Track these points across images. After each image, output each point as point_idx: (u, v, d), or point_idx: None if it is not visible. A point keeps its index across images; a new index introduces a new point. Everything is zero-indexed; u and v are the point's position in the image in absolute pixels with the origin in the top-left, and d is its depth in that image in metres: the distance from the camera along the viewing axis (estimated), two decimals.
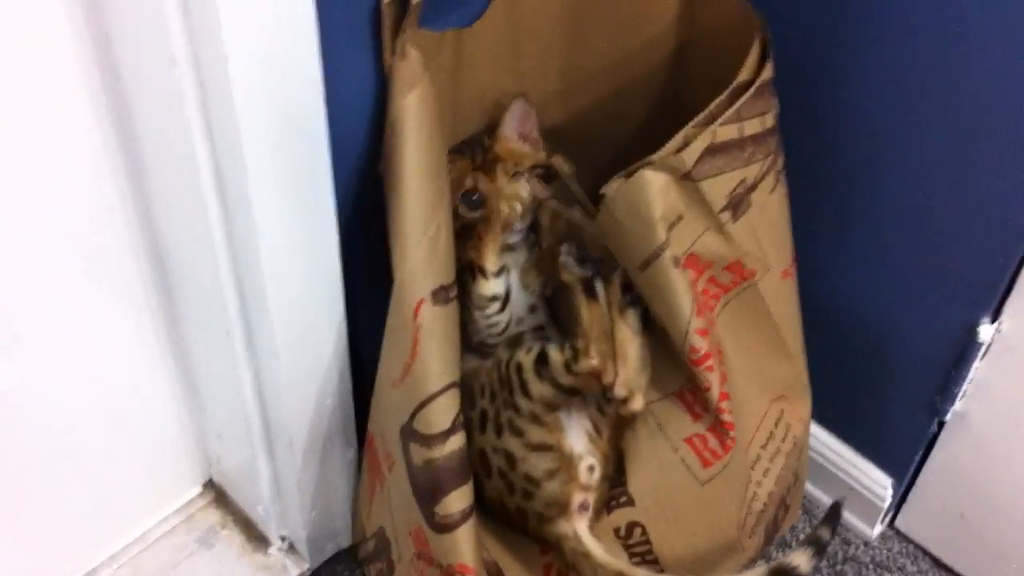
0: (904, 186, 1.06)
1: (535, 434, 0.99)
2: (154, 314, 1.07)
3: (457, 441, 0.96)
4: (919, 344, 1.13)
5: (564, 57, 1.07)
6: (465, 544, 0.96)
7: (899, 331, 1.15)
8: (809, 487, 1.32)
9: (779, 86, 0.98)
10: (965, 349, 1.09)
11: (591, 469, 1.01)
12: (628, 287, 1.00)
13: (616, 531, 1.03)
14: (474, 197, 1.02)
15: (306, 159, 0.89)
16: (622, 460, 1.04)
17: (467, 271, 1.02)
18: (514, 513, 1.03)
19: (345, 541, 1.26)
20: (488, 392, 1.01)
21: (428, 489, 0.96)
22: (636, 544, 1.03)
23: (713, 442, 1.00)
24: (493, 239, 1.02)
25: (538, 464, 1.00)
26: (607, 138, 1.11)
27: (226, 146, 0.85)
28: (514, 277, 1.06)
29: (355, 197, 0.98)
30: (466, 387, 1.00)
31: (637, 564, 1.03)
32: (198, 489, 1.29)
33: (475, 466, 1.01)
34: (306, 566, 1.24)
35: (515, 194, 1.03)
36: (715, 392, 0.97)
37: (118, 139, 0.93)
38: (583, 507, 1.01)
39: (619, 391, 0.98)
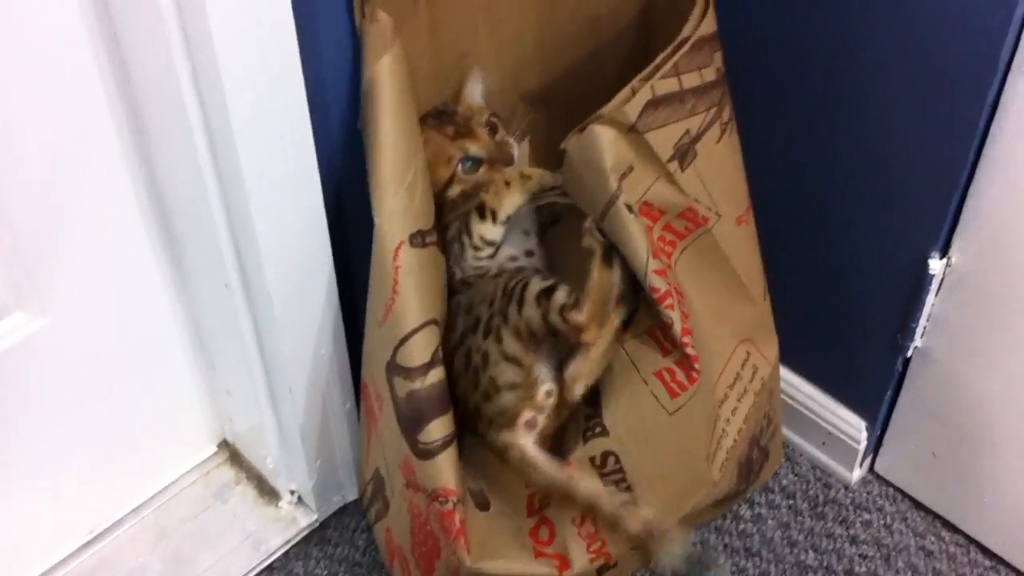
0: (856, 126, 1.13)
1: (511, 346, 1.06)
2: (163, 272, 1.17)
3: (437, 374, 1.04)
4: (876, 281, 1.20)
5: (539, 21, 1.16)
6: (447, 469, 1.04)
7: (856, 269, 1.21)
8: (788, 434, 1.38)
9: (731, 33, 1.06)
10: (918, 284, 1.15)
11: (548, 394, 1.08)
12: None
13: (592, 460, 1.09)
14: (469, 162, 1.11)
15: (287, 113, 0.99)
16: (597, 395, 1.12)
17: (475, 211, 1.10)
18: (472, 411, 1.10)
19: (351, 494, 1.35)
20: (489, 300, 1.08)
21: (412, 419, 1.04)
22: (611, 472, 1.09)
23: (680, 374, 1.06)
24: (521, 192, 1.09)
25: (504, 373, 1.07)
26: (584, 98, 1.18)
27: (212, 100, 0.95)
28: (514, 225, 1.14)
29: (343, 152, 1.07)
30: (466, 301, 1.09)
31: (612, 493, 1.10)
32: (213, 448, 1.39)
33: (459, 362, 1.09)
34: (315, 517, 1.33)
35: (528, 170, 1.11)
36: (677, 328, 1.04)
37: (121, 99, 1.03)
38: (530, 424, 1.08)
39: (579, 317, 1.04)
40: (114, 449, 1.26)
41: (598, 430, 1.10)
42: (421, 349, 1.04)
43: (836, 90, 1.13)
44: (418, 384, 1.04)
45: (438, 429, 1.04)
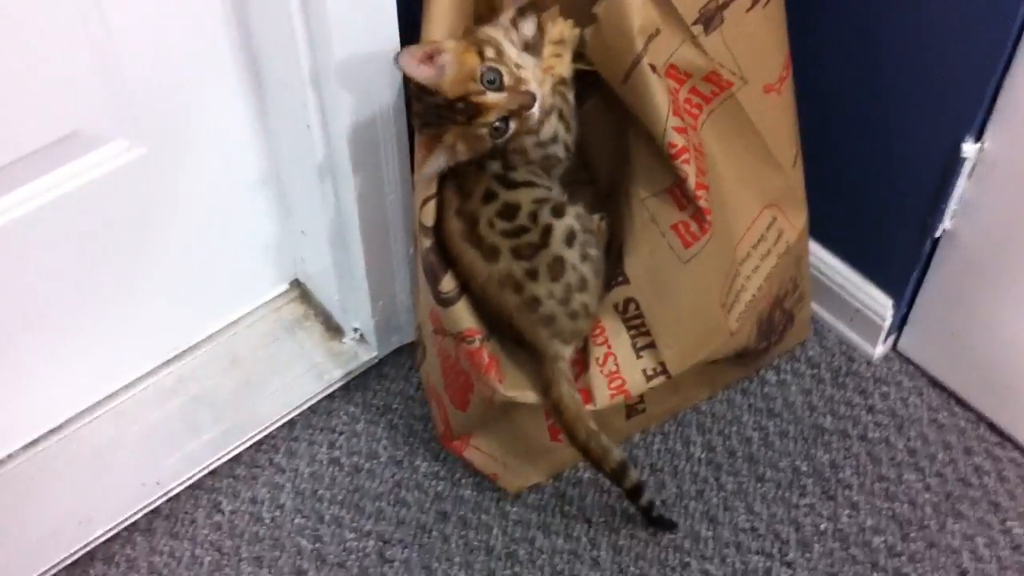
0: (897, 5, 1.17)
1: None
2: (250, 115, 1.27)
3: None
4: (909, 162, 1.26)
5: None
6: (466, 313, 1.14)
7: (890, 150, 1.27)
8: (818, 309, 1.47)
9: None
10: (950, 166, 1.22)
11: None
12: None
13: (615, 306, 1.20)
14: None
15: None
16: (621, 246, 1.21)
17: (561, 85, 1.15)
18: (529, 312, 1.15)
19: (408, 336, 1.47)
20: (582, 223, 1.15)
21: (430, 272, 1.14)
22: (632, 317, 1.20)
23: (693, 226, 1.15)
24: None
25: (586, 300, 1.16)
26: None
27: None
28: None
29: None
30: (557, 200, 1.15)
31: (633, 336, 1.20)
32: (285, 286, 1.51)
33: (551, 271, 1.13)
34: (374, 354, 1.45)
35: None
36: (691, 182, 1.11)
37: None
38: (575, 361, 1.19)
39: None
40: (195, 280, 1.38)
41: (620, 279, 1.20)
42: (434, 212, 1.13)
43: None
44: (429, 242, 1.13)
45: (449, 282, 1.14)
